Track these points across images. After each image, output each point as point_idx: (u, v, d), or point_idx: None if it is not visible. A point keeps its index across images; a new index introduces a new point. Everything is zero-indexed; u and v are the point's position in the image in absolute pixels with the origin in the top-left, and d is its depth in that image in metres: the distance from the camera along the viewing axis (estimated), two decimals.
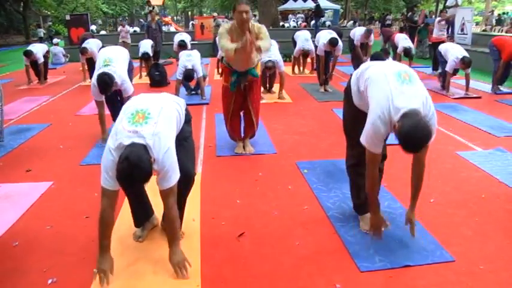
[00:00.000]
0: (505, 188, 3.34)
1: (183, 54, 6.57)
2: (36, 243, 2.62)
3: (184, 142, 2.41)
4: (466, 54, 6.64)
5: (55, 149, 4.47)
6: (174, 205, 2.18)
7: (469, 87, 6.89)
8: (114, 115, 4.58)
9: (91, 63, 7.70)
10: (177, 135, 2.22)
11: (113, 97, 4.60)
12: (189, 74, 6.30)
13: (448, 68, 6.73)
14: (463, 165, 3.83)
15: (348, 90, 2.61)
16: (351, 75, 2.62)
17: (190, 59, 6.36)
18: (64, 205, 3.16)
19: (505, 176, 3.53)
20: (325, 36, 6.93)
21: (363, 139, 2.30)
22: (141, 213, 2.64)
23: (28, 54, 8.40)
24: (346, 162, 2.78)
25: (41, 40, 14.96)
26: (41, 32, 22.56)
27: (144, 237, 2.60)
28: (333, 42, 6.73)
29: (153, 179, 2.57)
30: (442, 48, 7.13)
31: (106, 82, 4.07)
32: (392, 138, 2.21)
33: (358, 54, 8.26)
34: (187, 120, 2.49)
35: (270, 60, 6.10)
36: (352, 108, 2.57)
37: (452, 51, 6.71)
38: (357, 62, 7.88)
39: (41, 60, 8.63)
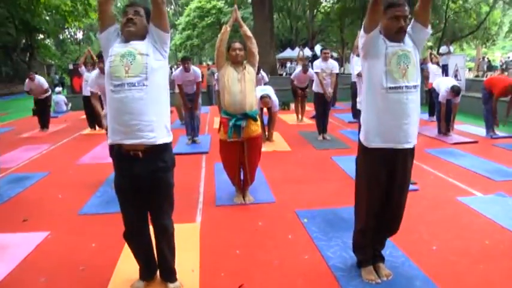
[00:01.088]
0: (509, 234, 3.29)
1: None
2: None
3: (163, 198, 2.40)
4: (456, 83, 6.98)
5: (53, 198, 4.44)
6: None
7: (454, 119, 7.30)
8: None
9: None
10: (156, 188, 2.34)
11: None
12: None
13: (441, 98, 6.96)
14: (464, 211, 3.80)
15: (360, 145, 2.55)
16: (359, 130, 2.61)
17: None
18: (60, 256, 3.09)
19: (507, 221, 3.49)
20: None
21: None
22: (147, 272, 2.60)
23: (29, 75, 8.70)
24: (356, 225, 2.67)
25: (54, 86, 15.59)
26: (56, 77, 24.55)
27: None
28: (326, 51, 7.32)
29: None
30: (435, 84, 7.51)
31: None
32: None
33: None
34: (172, 165, 2.42)
35: (265, 93, 6.33)
36: (366, 166, 2.49)
37: (443, 83, 7.08)
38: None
39: (45, 86, 8.95)
